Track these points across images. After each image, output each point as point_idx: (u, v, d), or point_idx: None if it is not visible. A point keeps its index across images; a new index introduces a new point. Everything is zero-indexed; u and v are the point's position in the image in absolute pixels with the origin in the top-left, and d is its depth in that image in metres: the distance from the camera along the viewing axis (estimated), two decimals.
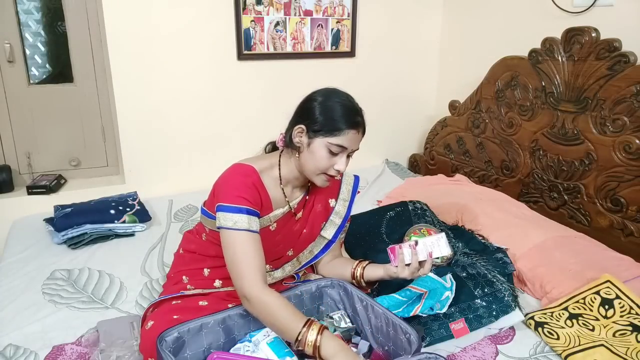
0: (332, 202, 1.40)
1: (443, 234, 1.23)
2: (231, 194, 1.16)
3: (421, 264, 1.23)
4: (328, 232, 1.39)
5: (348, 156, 1.22)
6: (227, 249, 1.14)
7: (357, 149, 1.24)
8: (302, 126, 1.20)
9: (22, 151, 2.25)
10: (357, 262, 1.36)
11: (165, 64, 2.21)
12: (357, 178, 1.47)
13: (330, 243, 1.40)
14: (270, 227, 1.28)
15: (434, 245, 1.20)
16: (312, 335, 1.02)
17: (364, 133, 1.24)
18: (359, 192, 1.46)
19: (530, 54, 2.09)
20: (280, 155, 1.29)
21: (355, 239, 1.70)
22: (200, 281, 1.31)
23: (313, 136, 1.18)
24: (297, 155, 1.23)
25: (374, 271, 1.30)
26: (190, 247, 1.40)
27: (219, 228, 1.16)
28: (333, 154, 1.18)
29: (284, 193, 1.28)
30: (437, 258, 1.46)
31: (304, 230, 1.35)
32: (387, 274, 1.26)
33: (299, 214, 1.34)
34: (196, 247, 1.37)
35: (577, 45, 1.88)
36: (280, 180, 1.27)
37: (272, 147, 1.36)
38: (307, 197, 1.36)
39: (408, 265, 1.23)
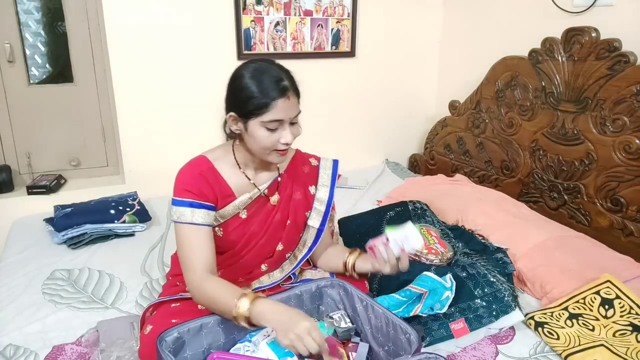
0: (312, 189, 1.36)
1: (410, 225, 1.16)
2: (177, 187, 1.17)
3: (399, 258, 1.20)
4: (314, 220, 1.34)
5: (293, 124, 1.16)
6: (176, 241, 1.17)
7: (299, 113, 1.16)
8: (233, 114, 1.16)
9: (22, 151, 2.25)
10: (350, 251, 1.35)
11: (165, 64, 2.21)
12: (335, 162, 1.41)
13: (319, 232, 1.36)
14: (240, 214, 1.25)
15: (404, 241, 1.15)
16: (243, 306, 1.01)
17: (297, 95, 1.16)
18: (339, 175, 1.42)
19: (530, 54, 2.09)
20: (233, 140, 1.27)
21: (355, 239, 1.70)
22: None
23: (246, 120, 1.13)
24: (239, 141, 1.22)
25: (364, 264, 1.30)
26: None
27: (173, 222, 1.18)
28: (272, 130, 1.12)
29: (247, 177, 1.25)
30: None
31: (288, 221, 1.31)
32: (374, 268, 1.24)
33: (274, 198, 1.29)
34: None
35: (577, 45, 1.88)
36: (238, 165, 1.25)
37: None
38: (279, 178, 1.31)
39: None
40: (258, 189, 1.27)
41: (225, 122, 1.23)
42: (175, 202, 1.16)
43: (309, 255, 1.37)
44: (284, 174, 1.33)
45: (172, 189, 1.19)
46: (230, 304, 1.03)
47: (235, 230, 1.25)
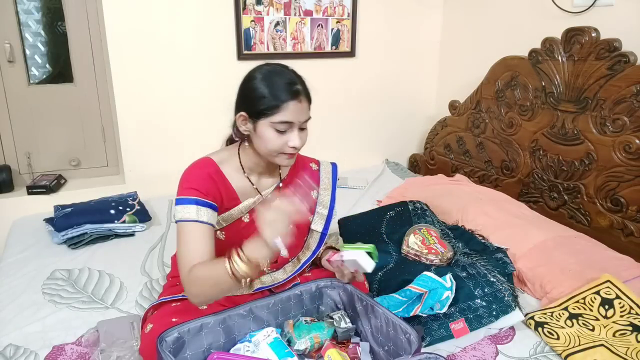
0: (314, 193, 1.37)
1: (361, 253, 1.16)
2: (182, 186, 1.15)
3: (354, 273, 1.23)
4: (317, 224, 1.35)
5: (302, 129, 1.16)
6: (177, 241, 1.12)
7: (309, 118, 1.17)
8: (243, 113, 1.16)
9: (22, 151, 2.25)
10: (327, 246, 1.38)
11: (165, 64, 2.21)
12: (334, 165, 1.44)
13: (323, 236, 1.37)
14: (243, 218, 1.25)
15: (356, 265, 1.18)
16: (239, 265, 0.98)
17: (309, 101, 1.17)
18: (339, 178, 1.43)
19: (530, 54, 2.09)
20: (239, 145, 1.26)
21: (355, 239, 1.70)
22: None
23: (256, 120, 1.13)
24: (248, 143, 1.21)
25: (327, 265, 1.32)
26: None
27: (175, 223, 1.15)
28: (281, 132, 1.12)
29: (250, 182, 1.25)
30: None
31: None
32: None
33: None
34: None
35: (577, 45, 1.88)
36: (243, 169, 1.24)
37: (230, 142, 1.33)
38: (281, 184, 1.32)
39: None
40: (261, 194, 1.27)
41: (234, 123, 1.22)
42: (180, 201, 1.13)
43: (312, 259, 1.37)
44: (286, 179, 1.33)
45: (177, 189, 1.16)
46: (221, 272, 1.00)
47: (237, 233, 1.25)
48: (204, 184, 1.15)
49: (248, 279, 1.01)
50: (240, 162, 1.24)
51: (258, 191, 1.27)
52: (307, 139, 1.19)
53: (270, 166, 1.27)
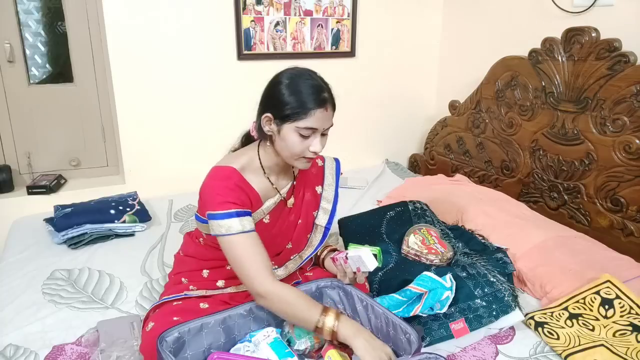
0: (318, 189, 1.41)
1: (365, 251, 1.20)
2: (216, 200, 1.15)
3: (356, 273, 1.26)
4: (321, 219, 1.39)
5: (323, 135, 1.20)
6: (228, 255, 1.14)
7: (331, 126, 1.21)
8: (269, 114, 1.18)
9: (22, 151, 2.25)
10: (328, 246, 1.43)
11: (165, 64, 2.21)
12: (337, 161, 1.49)
13: (326, 231, 1.40)
14: (264, 219, 1.28)
15: (359, 262, 1.21)
16: (329, 322, 1.06)
17: (334, 108, 1.20)
18: (342, 173, 1.47)
19: (530, 54, 2.09)
20: (258, 146, 1.28)
21: (355, 239, 1.70)
22: (201, 282, 1.31)
23: (281, 123, 1.15)
24: (270, 143, 1.22)
25: (330, 266, 1.36)
26: (188, 251, 1.40)
27: (215, 236, 1.16)
28: (305, 137, 1.16)
29: (270, 182, 1.28)
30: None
31: (299, 221, 1.35)
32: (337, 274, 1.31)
33: (290, 200, 1.33)
34: (194, 251, 1.37)
35: (577, 45, 1.88)
36: (264, 170, 1.26)
37: (247, 138, 1.35)
38: (295, 182, 1.35)
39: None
40: (280, 193, 1.30)
41: (256, 122, 1.23)
42: (219, 216, 1.13)
43: (312, 255, 1.40)
44: (298, 177, 1.37)
45: (206, 202, 1.17)
46: (313, 316, 1.08)
47: (259, 234, 1.26)
48: (237, 195, 1.17)
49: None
50: (261, 163, 1.26)
51: (277, 190, 1.30)
52: (326, 144, 1.22)
53: (286, 166, 1.30)
